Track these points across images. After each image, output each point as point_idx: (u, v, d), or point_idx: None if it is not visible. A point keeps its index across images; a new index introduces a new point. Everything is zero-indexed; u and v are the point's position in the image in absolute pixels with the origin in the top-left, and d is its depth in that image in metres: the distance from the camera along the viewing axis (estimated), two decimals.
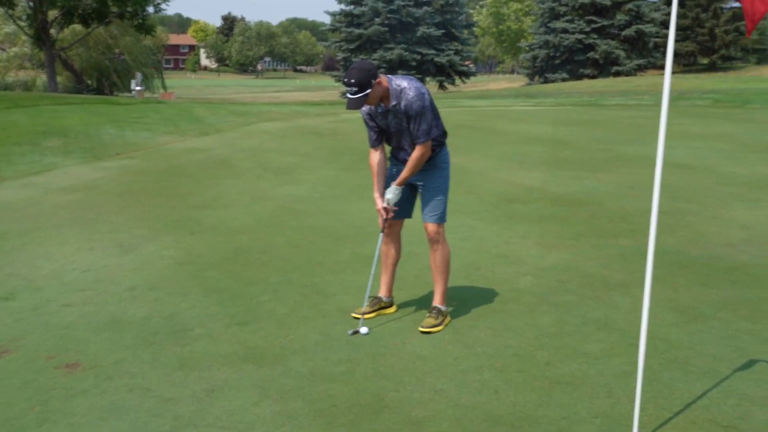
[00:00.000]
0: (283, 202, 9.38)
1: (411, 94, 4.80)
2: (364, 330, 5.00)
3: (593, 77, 51.04)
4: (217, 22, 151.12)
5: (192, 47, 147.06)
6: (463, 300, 5.61)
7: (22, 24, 44.25)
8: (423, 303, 5.54)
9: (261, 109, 25.17)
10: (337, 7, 44.97)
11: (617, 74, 51.51)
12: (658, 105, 17.90)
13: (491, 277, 6.23)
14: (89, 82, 50.08)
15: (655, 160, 3.59)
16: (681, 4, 54.46)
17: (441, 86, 48.39)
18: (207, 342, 4.89)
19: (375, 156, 5.15)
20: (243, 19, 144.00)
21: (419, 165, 4.97)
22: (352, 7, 43.91)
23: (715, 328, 5.01)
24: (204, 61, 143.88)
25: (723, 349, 4.66)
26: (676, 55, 56.20)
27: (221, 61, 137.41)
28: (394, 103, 4.84)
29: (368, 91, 4.67)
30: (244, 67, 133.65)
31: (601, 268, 6.45)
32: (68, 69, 48.18)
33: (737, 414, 3.83)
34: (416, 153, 4.93)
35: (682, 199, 9.02)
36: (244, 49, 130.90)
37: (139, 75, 47.72)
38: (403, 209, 5.24)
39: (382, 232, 5.26)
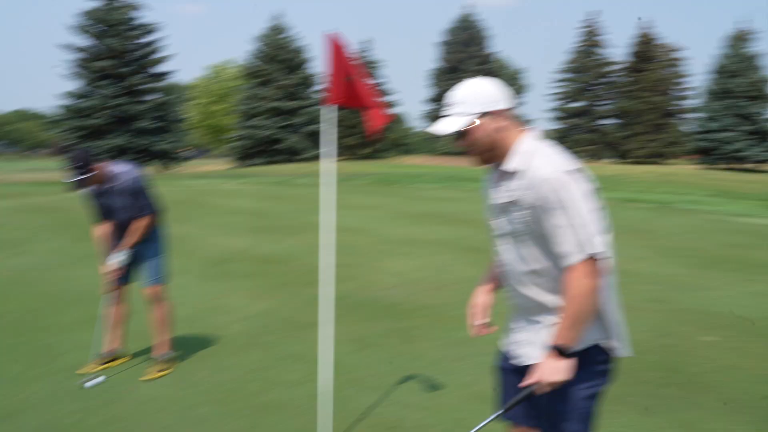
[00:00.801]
0: (13, 272, 8.28)
1: (126, 177, 4.64)
2: (99, 379, 4.56)
3: (284, 162, 52.30)
4: None
5: None
6: (185, 347, 5.32)
7: None
8: (150, 353, 5.17)
9: None
10: (64, 101, 41.39)
11: (301, 161, 53.29)
12: (336, 183, 18.30)
13: (208, 325, 6.00)
14: None
15: (329, 226, 3.73)
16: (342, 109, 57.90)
17: (165, 167, 46.50)
18: None
19: (99, 229, 4.85)
20: None
21: (138, 235, 4.72)
22: (81, 100, 40.81)
23: (380, 353, 5.25)
24: None
25: (386, 368, 4.90)
26: (345, 146, 59.63)
27: None
28: (111, 185, 4.58)
29: (88, 174, 4.38)
30: None
31: (296, 312, 6.50)
32: None
33: (398, 417, 4.03)
34: (134, 225, 4.70)
35: (351, 255, 9.36)
36: None
37: None
38: (126, 274, 4.93)
39: (107, 294, 4.88)
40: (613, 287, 2.40)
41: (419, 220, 13.60)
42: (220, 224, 12.83)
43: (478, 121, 2.30)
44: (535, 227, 2.28)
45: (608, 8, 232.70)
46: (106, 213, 4.79)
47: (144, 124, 41.45)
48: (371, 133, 3.77)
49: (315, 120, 55.01)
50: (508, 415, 2.48)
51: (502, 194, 2.35)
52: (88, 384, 4.50)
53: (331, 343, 3.83)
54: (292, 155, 53.72)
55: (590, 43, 57.42)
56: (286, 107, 53.57)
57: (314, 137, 55.39)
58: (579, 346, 2.28)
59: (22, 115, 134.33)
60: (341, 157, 60.15)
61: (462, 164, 49.50)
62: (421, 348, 5.38)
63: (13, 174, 54.18)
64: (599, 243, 2.19)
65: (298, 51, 55.08)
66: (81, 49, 41.10)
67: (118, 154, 39.56)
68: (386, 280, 7.95)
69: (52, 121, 45.59)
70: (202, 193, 20.34)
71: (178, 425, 3.90)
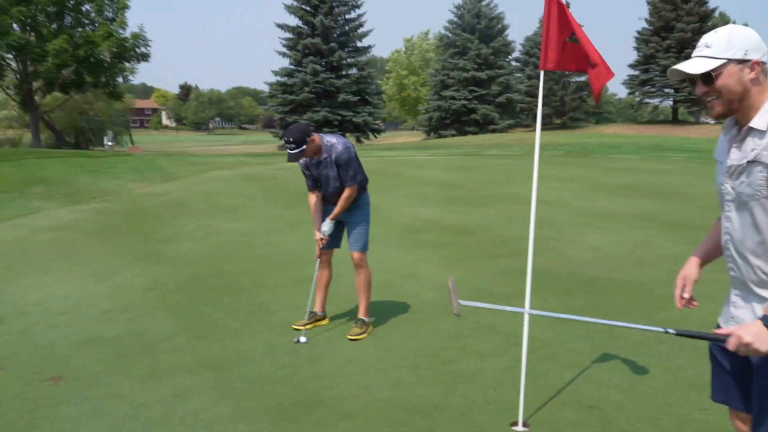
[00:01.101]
0: (231, 235, 9.17)
1: (339, 148, 4.86)
2: (303, 339, 4.90)
3: (475, 133, 52.20)
4: (176, 90, 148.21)
5: (155, 110, 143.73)
6: (381, 312, 5.57)
7: (10, 92, 42.57)
8: (350, 316, 5.47)
9: (212, 159, 24.70)
10: (273, 79, 44.68)
11: (493, 131, 52.80)
12: (525, 155, 18.49)
13: (402, 292, 6.20)
14: (68, 139, 48.28)
15: (525, 197, 3.65)
16: (539, 78, 56.31)
17: (358, 140, 48.65)
18: (172, 354, 4.70)
19: (312, 198, 5.14)
20: (197, 87, 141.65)
21: (348, 203, 5.00)
22: (286, 78, 43.85)
23: (577, 329, 5.09)
24: (165, 121, 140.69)
25: (583, 345, 4.75)
26: (535, 115, 58.07)
27: (179, 120, 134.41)
28: (325, 156, 4.86)
29: (304, 147, 4.69)
30: (198, 125, 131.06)
31: (488, 282, 6.50)
32: (50, 128, 46.37)
33: (596, 396, 3.89)
34: (346, 193, 4.96)
35: (546, 228, 9.17)
36: (198, 111, 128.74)
37: (110, 133, 46.30)
38: (333, 240, 5.22)
39: (318, 258, 5.22)
40: None
41: (619, 193, 12.92)
42: (412, 195, 13.16)
43: (731, 66, 2.09)
44: None
45: None
46: (318, 182, 5.10)
47: (344, 97, 43.41)
48: (598, 93, 3.60)
49: (508, 89, 54.12)
50: (722, 398, 2.34)
51: (743, 153, 2.13)
52: (295, 340, 4.87)
53: (528, 317, 3.77)
54: (483, 125, 53.41)
55: None
56: (479, 77, 53.14)
57: (506, 107, 54.59)
58: None
59: (239, 93, 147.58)
60: (532, 127, 58.71)
61: (666, 133, 46.01)
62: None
63: (230, 146, 59.88)
64: None
65: (494, 19, 54.15)
66: (291, 28, 43.72)
67: (320, 126, 41.97)
68: (583, 255, 7.66)
69: (264, 97, 49.32)
70: (395, 164, 20.97)
71: (376, 386, 4.09)
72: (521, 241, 8.53)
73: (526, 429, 3.50)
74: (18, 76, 40.08)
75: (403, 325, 5.26)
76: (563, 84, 56.16)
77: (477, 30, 53.24)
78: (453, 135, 52.85)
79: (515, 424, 3.55)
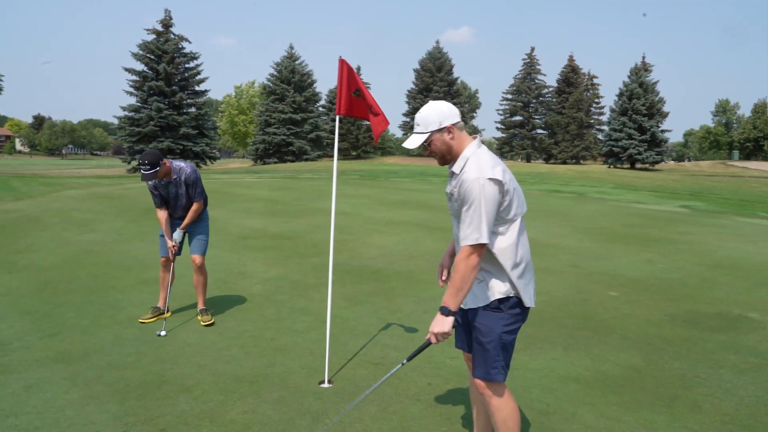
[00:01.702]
0: (83, 245, 8.15)
1: (188, 170, 4.64)
2: (163, 333, 4.45)
3: (292, 161, 51.84)
4: (29, 119, 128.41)
5: (8, 137, 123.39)
6: (217, 304, 5.30)
7: None
8: (190, 309, 5.13)
9: (65, 180, 21.77)
10: (122, 113, 40.65)
11: (306, 160, 52.83)
12: (330, 178, 18.59)
13: (234, 287, 5.96)
14: None
15: (329, 210, 3.70)
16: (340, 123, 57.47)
17: (197, 165, 45.86)
18: (24, 351, 4.05)
19: (162, 213, 4.75)
20: (50, 117, 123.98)
21: (196, 215, 4.74)
22: (133, 113, 40.11)
23: (367, 307, 5.25)
24: (18, 147, 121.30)
25: (372, 319, 4.89)
26: (338, 149, 59.12)
27: (33, 146, 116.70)
28: (175, 177, 4.57)
29: (157, 168, 4.37)
30: (52, 151, 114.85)
31: (302, 276, 6.48)
32: None
33: (381, 355, 4.04)
34: (195, 206, 4.71)
35: (345, 233, 9.38)
36: (52, 138, 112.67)
37: None
38: (180, 247, 4.86)
39: (172, 261, 4.80)
40: (527, 257, 2.43)
41: (396, 206, 13.56)
42: (242, 209, 12.71)
43: (434, 135, 2.39)
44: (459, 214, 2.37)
45: (542, 45, 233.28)
46: (166, 200, 4.72)
47: (185, 130, 40.87)
48: (377, 136, 3.72)
49: (317, 128, 54.58)
50: (459, 345, 2.62)
51: (451, 186, 2.45)
52: (158, 334, 4.44)
53: (330, 300, 3.82)
54: (299, 156, 53.34)
55: (529, 71, 57.41)
56: (295, 118, 53.15)
57: (316, 141, 54.98)
58: (496, 296, 2.36)
59: (90, 124, 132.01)
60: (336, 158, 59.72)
61: (428, 163, 49.47)
62: (399, 304, 5.38)
63: (83, 169, 53.20)
64: (485, 235, 2.24)
65: (305, 75, 54.44)
66: (138, 72, 40.37)
67: (165, 153, 38.96)
68: (371, 252, 7.93)
69: (114, 128, 44.68)
70: (228, 185, 20.11)
71: (212, 364, 3.88)
72: (326, 243, 8.62)
73: (331, 385, 3.54)
74: None
75: (234, 313, 5.05)
76: (357, 125, 57.91)
77: (292, 82, 53.18)
78: (275, 162, 52.00)
79: (323, 382, 3.57)
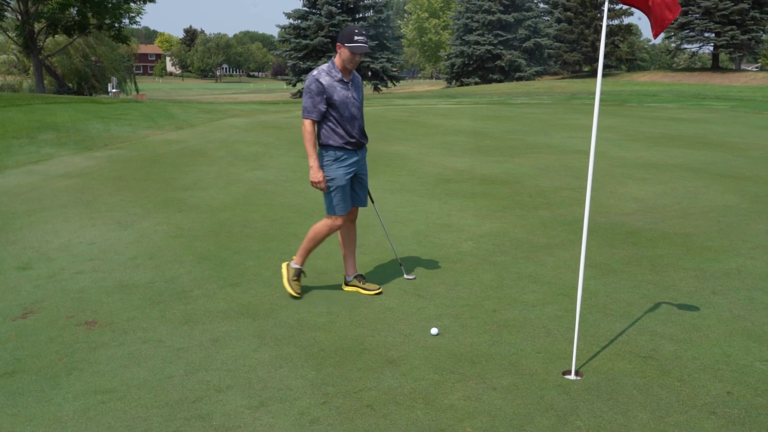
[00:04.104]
0: (254, 184, 9.22)
1: (355, 72, 4.77)
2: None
3: (500, 81, 51.56)
4: (180, 34, 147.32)
5: (159, 56, 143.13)
6: (419, 262, 5.62)
7: (11, 35, 42.47)
8: (386, 264, 5.52)
9: (225, 107, 24.66)
10: (285, 22, 44.14)
11: (519, 79, 52.14)
12: (555, 103, 18.36)
13: (439, 242, 6.25)
14: (70, 85, 48.35)
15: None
16: (569, 22, 55.25)
17: (375, 89, 48.19)
18: (206, 300, 4.79)
19: (314, 128, 4.63)
20: (203, 31, 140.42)
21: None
22: (299, 21, 43.23)
23: (625, 280, 5.13)
24: (169, 67, 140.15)
25: (633, 296, 4.78)
26: (565, 62, 57.07)
27: (184, 67, 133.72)
28: (351, 77, 4.72)
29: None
30: (205, 72, 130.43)
31: (527, 233, 6.53)
32: (51, 74, 46.41)
33: (651, 347, 3.94)
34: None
35: (585, 178, 9.18)
36: (204, 57, 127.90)
37: (114, 79, 46.27)
38: (359, 198, 4.93)
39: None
40: None
41: (659, 143, 12.80)
42: (439, 144, 13.10)
43: None
44: None
45: None
46: (341, 111, 4.64)
47: None
48: (660, 29, 3.52)
49: (536, 34, 53.16)
50: None
51: None
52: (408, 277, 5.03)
53: (583, 267, 3.79)
54: (509, 73, 52.69)
55: None
56: (505, 20, 52.19)
57: (533, 53, 53.72)
58: None
59: (247, 38, 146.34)
60: (561, 75, 57.77)
61: (706, 81, 45.23)
62: (672, 278, 5.14)
63: (240, 94, 59.68)
64: None
65: None
66: None
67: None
68: (625, 206, 7.64)
69: (274, 43, 48.92)
70: (418, 113, 20.83)
71: (419, 334, 4.16)
72: (557, 191, 8.53)
73: (580, 378, 3.57)
74: (19, 16, 39.89)
75: (442, 275, 5.31)
76: (594, 28, 55.08)
77: None
78: (476, 83, 52.24)
79: (568, 372, 3.61)
